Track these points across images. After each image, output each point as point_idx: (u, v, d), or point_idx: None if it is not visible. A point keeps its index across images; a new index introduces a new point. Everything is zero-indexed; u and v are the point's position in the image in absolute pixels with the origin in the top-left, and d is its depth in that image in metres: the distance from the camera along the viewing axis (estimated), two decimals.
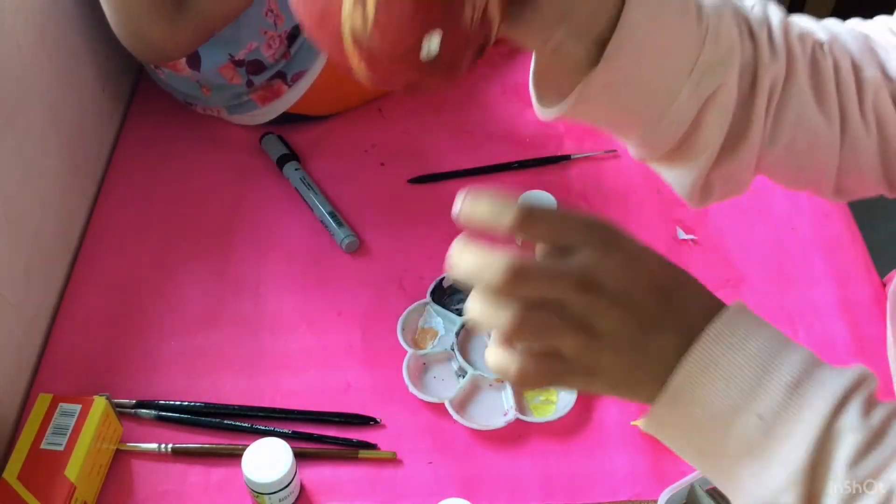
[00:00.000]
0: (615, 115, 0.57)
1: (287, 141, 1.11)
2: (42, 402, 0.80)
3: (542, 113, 0.59)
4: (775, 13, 0.59)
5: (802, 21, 0.61)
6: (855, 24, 0.63)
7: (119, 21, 0.89)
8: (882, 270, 0.97)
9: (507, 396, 0.86)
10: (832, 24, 0.62)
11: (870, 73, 0.59)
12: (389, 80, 0.48)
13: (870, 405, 0.42)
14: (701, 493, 0.74)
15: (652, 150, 0.59)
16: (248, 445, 0.79)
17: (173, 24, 0.89)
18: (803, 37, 0.59)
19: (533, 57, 0.58)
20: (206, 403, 0.87)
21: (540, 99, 0.58)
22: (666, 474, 0.80)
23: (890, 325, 0.78)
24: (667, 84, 0.55)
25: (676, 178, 0.62)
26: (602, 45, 0.52)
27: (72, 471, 0.76)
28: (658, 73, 0.55)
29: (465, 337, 0.91)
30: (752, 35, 0.58)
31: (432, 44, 0.44)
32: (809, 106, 0.58)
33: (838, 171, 0.60)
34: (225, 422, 0.86)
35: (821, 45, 0.59)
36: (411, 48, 0.44)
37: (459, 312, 0.92)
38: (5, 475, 0.75)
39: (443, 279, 0.95)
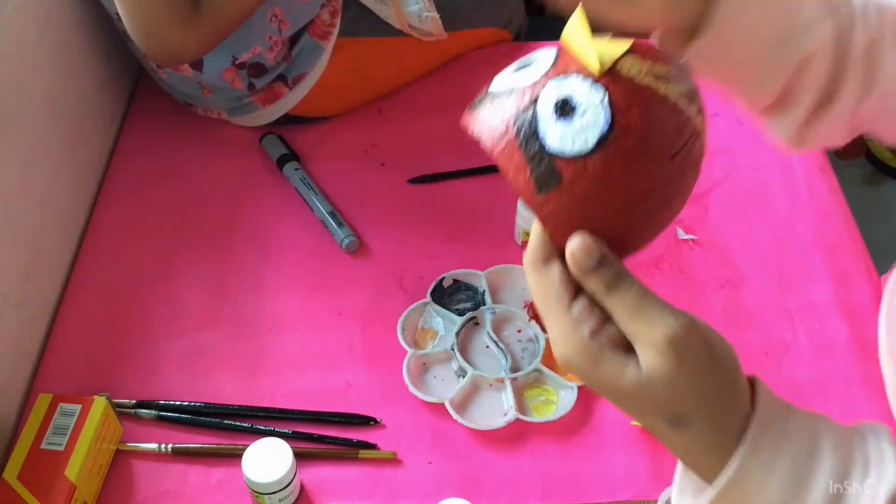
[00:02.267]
0: (720, 75, 0.60)
1: (287, 141, 1.11)
2: (42, 402, 0.80)
3: None
4: None
5: None
6: None
7: (136, 23, 0.89)
8: (882, 270, 0.97)
9: (507, 396, 0.86)
10: None
11: None
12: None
13: None
14: None
15: (753, 105, 0.62)
16: (248, 445, 0.79)
17: (190, 24, 0.88)
18: (882, 6, 0.61)
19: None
20: (206, 403, 0.87)
21: None
22: (666, 474, 0.80)
23: (884, 319, 0.78)
24: (763, 50, 0.58)
25: (776, 126, 0.64)
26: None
27: (72, 471, 0.76)
28: (756, 38, 0.57)
29: (465, 337, 0.91)
30: (839, 4, 0.60)
31: None
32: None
33: None
34: (225, 422, 0.86)
35: None
36: None
37: (459, 312, 0.92)
38: (5, 475, 0.75)
39: (443, 279, 0.95)
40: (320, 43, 1.07)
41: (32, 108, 0.93)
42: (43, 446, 0.77)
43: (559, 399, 0.86)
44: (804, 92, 0.61)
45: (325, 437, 0.84)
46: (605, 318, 0.47)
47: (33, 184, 0.92)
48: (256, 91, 1.07)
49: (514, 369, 0.87)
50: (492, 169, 1.08)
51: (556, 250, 0.48)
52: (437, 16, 1.10)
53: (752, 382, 0.49)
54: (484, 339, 0.91)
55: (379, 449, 0.84)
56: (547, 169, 0.45)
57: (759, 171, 1.08)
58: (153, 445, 0.83)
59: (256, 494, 0.78)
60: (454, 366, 0.89)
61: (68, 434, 0.78)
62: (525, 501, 0.80)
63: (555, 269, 0.48)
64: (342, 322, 0.94)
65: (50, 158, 0.96)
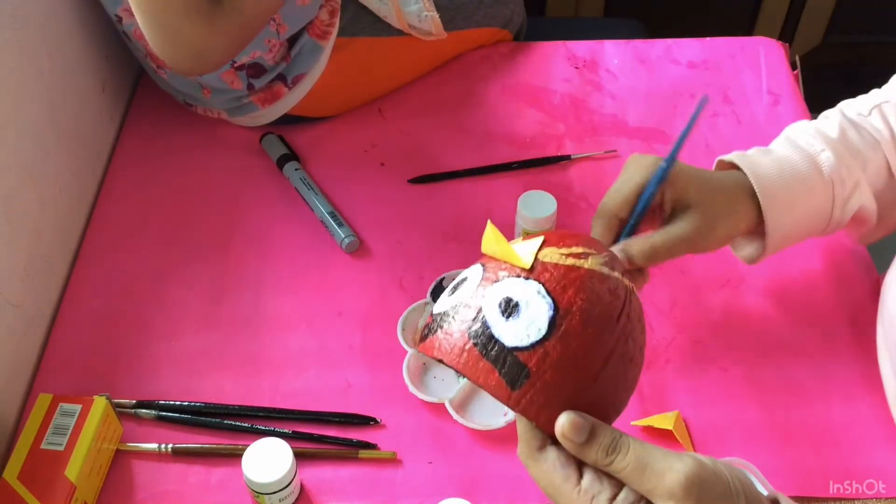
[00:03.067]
0: (789, 245, 0.83)
1: (287, 141, 1.11)
2: (42, 402, 0.80)
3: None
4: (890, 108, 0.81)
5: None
6: None
7: (156, 28, 0.84)
8: (882, 270, 0.97)
9: None
10: None
11: None
12: None
13: None
14: None
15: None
16: (248, 445, 0.79)
17: (213, 26, 0.84)
18: None
19: None
20: (206, 403, 0.87)
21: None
22: None
23: (881, 319, 0.78)
24: (818, 225, 0.81)
25: (853, 237, 0.89)
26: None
27: (72, 471, 0.76)
28: (808, 223, 0.80)
29: None
30: (875, 140, 0.80)
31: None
32: None
33: None
34: (225, 422, 0.86)
35: None
36: None
37: None
38: (5, 475, 0.75)
39: (443, 279, 0.95)
40: (319, 43, 1.07)
41: (32, 108, 0.93)
42: (43, 446, 0.77)
43: None
44: (870, 217, 0.80)
45: (325, 437, 0.84)
46: (617, 482, 0.48)
47: (33, 184, 0.92)
48: (256, 91, 1.07)
49: None
50: (492, 169, 1.08)
51: (546, 437, 0.51)
52: (437, 15, 1.10)
53: (774, 501, 0.50)
54: None
55: (379, 449, 0.84)
56: (512, 365, 0.49)
57: None
58: (153, 445, 0.83)
59: (256, 494, 0.78)
60: None
61: (68, 434, 0.78)
62: (525, 501, 0.80)
63: (552, 453, 0.50)
64: (342, 322, 0.94)
65: (50, 158, 0.96)
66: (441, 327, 0.52)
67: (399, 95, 1.17)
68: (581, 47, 1.24)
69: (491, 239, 0.54)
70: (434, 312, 0.55)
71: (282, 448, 0.78)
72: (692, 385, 0.87)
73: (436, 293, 0.94)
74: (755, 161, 0.78)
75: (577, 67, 1.21)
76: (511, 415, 0.84)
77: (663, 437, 0.82)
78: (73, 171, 1.02)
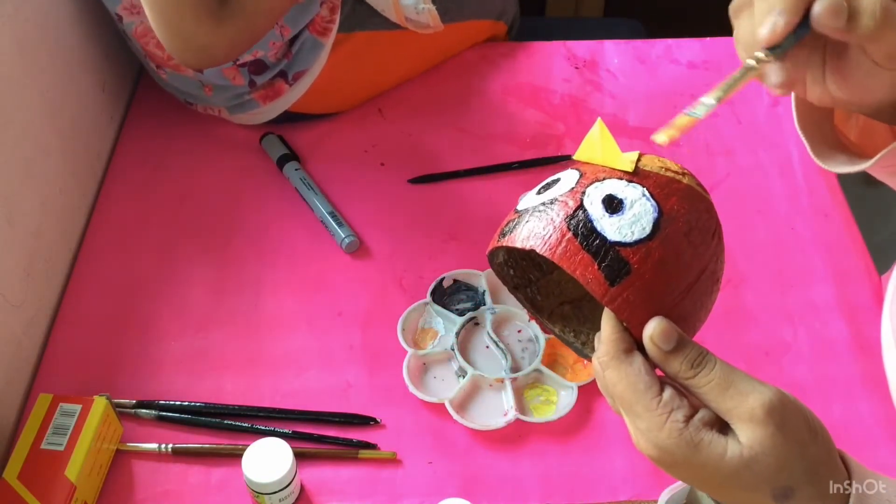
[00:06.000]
0: None
1: (287, 141, 1.11)
2: (42, 402, 0.80)
3: (831, 166, 0.60)
4: None
5: None
6: None
7: (162, 21, 0.86)
8: (882, 270, 0.97)
9: (507, 396, 0.86)
10: None
11: None
12: None
13: None
14: (701, 493, 0.74)
15: None
16: (248, 445, 0.79)
17: (217, 20, 0.86)
18: None
19: (797, 111, 0.61)
20: (206, 403, 0.87)
21: (814, 146, 0.60)
22: (666, 474, 0.80)
23: (888, 314, 0.78)
24: None
25: None
26: None
27: (72, 471, 0.76)
28: None
29: (465, 337, 0.91)
30: None
31: None
32: None
33: None
34: (225, 422, 0.86)
35: None
36: None
37: (459, 312, 0.92)
38: (5, 475, 0.75)
39: (443, 279, 0.95)
40: (320, 39, 1.07)
41: (32, 108, 0.93)
42: (43, 446, 0.77)
43: (559, 399, 0.86)
44: None
45: (325, 437, 0.84)
46: (695, 402, 0.47)
47: (33, 184, 0.92)
48: (257, 88, 1.07)
49: (514, 369, 0.87)
50: (492, 169, 1.08)
51: (633, 342, 0.48)
52: (434, 8, 1.10)
53: (841, 456, 0.49)
54: (484, 339, 0.91)
55: (379, 449, 0.84)
56: (614, 259, 0.48)
57: (759, 171, 1.08)
58: (153, 445, 0.83)
59: (256, 494, 0.78)
60: (454, 366, 0.89)
61: (68, 434, 0.78)
62: (525, 501, 0.80)
63: (639, 359, 0.48)
64: (342, 322, 0.94)
65: (50, 158, 0.96)
66: (532, 220, 0.51)
67: (399, 95, 1.17)
68: (581, 47, 1.24)
69: (593, 142, 0.53)
70: (519, 209, 0.53)
71: (282, 448, 0.78)
72: None
73: (436, 293, 0.94)
74: None
75: (577, 67, 1.21)
76: (511, 415, 0.84)
77: None
78: (73, 171, 1.02)
